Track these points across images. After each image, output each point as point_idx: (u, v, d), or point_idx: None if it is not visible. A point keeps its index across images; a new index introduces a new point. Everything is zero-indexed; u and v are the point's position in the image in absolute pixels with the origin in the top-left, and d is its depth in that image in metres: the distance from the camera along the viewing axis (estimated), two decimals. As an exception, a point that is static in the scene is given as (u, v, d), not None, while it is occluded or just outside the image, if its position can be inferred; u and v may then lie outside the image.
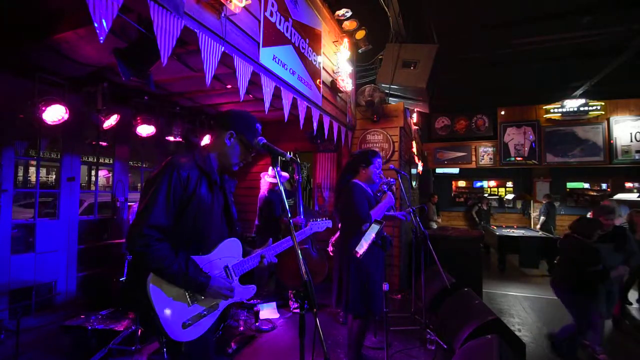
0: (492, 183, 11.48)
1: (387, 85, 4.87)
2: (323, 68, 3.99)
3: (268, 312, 3.77)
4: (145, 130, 3.76)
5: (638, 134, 7.76)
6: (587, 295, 2.92)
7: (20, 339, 2.57)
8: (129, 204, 4.28)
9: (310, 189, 6.00)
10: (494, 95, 9.08)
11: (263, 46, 2.70)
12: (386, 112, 5.11)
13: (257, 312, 3.53)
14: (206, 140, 4.41)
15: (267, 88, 2.77)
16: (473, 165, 9.42)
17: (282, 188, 1.37)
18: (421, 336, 3.24)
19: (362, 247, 2.31)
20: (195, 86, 3.62)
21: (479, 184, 11.62)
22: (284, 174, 4.53)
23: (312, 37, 3.66)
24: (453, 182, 11.82)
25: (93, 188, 6.02)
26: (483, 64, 7.66)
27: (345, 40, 4.54)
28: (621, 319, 4.03)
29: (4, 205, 3.07)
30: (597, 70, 6.90)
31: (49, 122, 2.89)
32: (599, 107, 8.06)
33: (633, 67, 6.65)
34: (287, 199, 2.44)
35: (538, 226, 8.08)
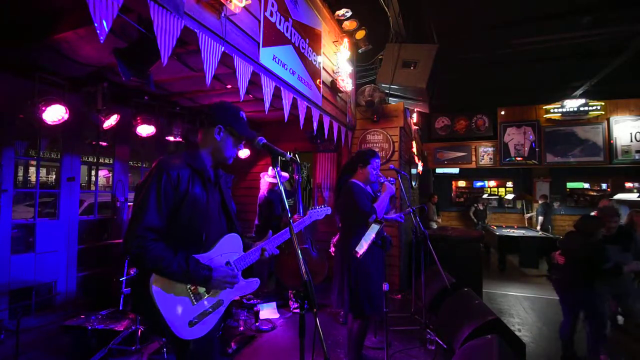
0: (492, 183, 11.49)
1: (387, 85, 4.86)
2: (323, 68, 3.99)
3: (268, 312, 3.77)
4: (145, 130, 3.76)
5: (638, 134, 7.75)
6: (598, 293, 2.83)
7: (20, 339, 2.57)
8: (129, 204, 4.28)
9: (310, 189, 6.01)
10: (494, 95, 9.09)
11: (263, 46, 2.70)
12: (386, 112, 5.11)
13: (257, 312, 3.53)
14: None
15: (267, 88, 2.77)
16: (473, 165, 9.43)
17: (282, 188, 1.37)
18: (421, 336, 3.24)
19: (362, 247, 2.31)
20: (195, 86, 3.62)
21: (479, 184, 11.62)
22: (284, 174, 4.54)
23: (312, 37, 3.66)
24: (453, 182, 11.83)
25: (93, 188, 6.01)
26: (483, 64, 7.65)
27: (345, 40, 4.54)
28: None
29: (4, 205, 3.07)
30: (597, 70, 6.91)
31: (49, 122, 2.89)
32: (599, 107, 8.05)
33: (633, 67, 6.67)
34: (287, 199, 2.43)
35: (538, 227, 8.08)
